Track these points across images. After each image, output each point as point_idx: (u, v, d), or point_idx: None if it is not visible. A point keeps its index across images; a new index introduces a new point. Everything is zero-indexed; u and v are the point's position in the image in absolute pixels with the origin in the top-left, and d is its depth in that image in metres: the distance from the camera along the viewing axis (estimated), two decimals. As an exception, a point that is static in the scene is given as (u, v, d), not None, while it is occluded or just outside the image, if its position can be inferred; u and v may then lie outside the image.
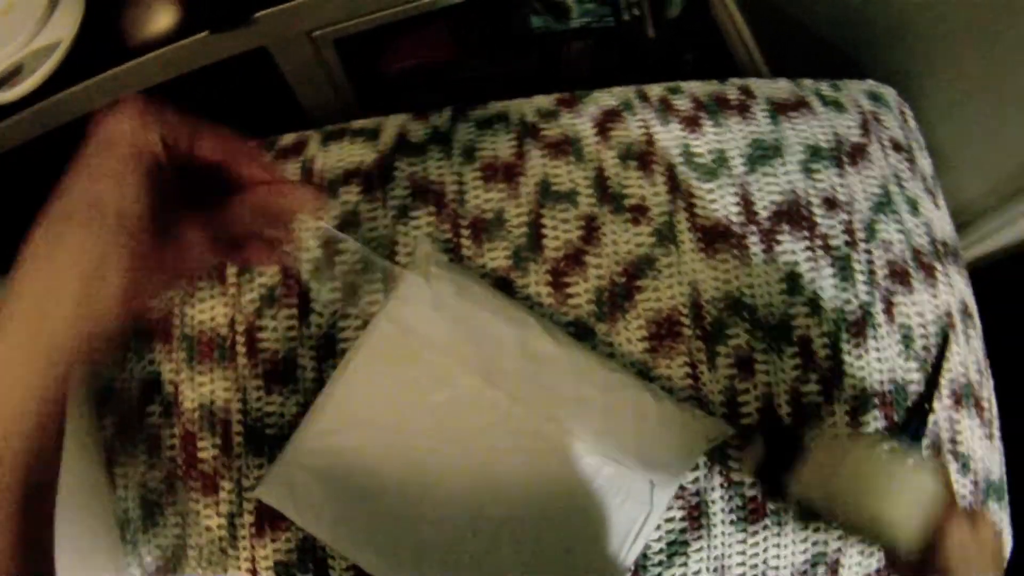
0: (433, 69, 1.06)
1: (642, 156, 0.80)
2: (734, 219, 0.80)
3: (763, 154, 0.83)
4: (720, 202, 0.80)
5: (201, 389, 0.80)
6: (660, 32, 1.10)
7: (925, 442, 0.79)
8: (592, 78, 0.87)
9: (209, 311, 0.81)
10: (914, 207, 0.87)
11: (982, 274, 0.94)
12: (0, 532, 0.35)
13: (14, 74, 0.87)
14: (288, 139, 0.84)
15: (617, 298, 0.75)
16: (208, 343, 0.80)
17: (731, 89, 0.86)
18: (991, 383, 0.85)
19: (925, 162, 0.91)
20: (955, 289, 0.86)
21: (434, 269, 0.71)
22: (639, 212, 0.78)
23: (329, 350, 0.76)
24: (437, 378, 0.69)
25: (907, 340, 0.81)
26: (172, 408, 0.81)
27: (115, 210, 0.36)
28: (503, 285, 0.75)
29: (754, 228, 0.80)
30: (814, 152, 0.84)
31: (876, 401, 0.79)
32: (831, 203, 0.83)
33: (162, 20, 0.87)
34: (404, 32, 0.93)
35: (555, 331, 0.71)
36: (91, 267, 0.35)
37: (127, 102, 0.38)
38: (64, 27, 0.87)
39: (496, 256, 0.76)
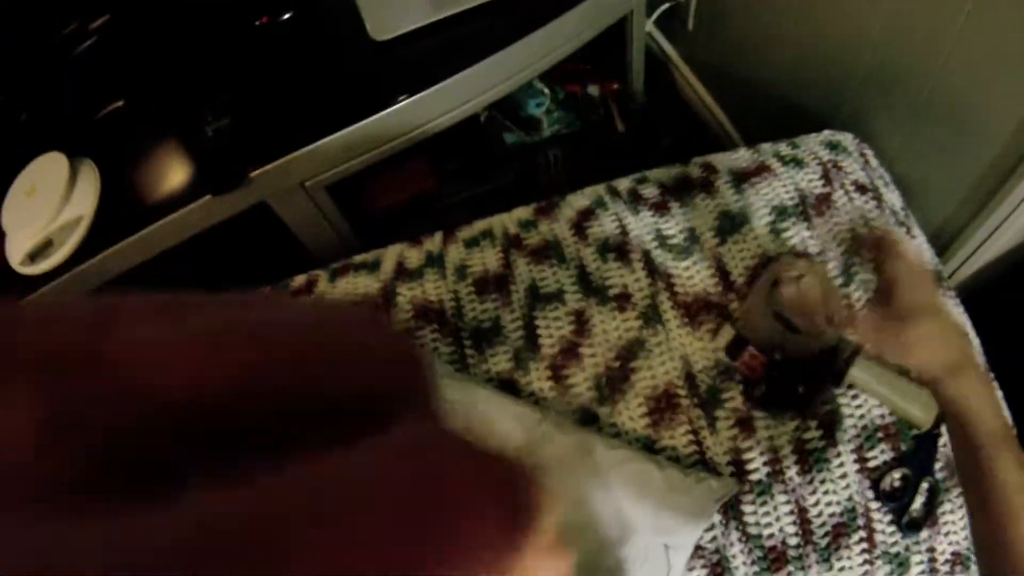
0: (420, 199, 1.17)
1: (619, 247, 0.87)
2: (712, 290, 0.87)
3: (732, 224, 0.89)
4: (697, 277, 0.87)
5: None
6: (629, 125, 1.18)
7: (939, 464, 0.82)
8: (570, 179, 0.95)
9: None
10: (887, 243, 0.91)
11: (976, 296, 0.98)
12: None
13: (45, 248, 1.00)
14: (299, 280, 0.94)
15: (615, 381, 0.83)
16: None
17: (694, 169, 0.93)
18: None
19: (893, 196, 0.96)
20: (945, 313, 0.89)
21: (441, 380, 0.79)
22: (623, 300, 0.85)
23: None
24: None
25: (902, 371, 0.85)
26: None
27: None
28: (508, 386, 0.83)
29: (733, 295, 0.87)
30: (780, 212, 0.90)
31: (880, 435, 0.83)
32: (804, 256, 0.89)
33: (171, 185, 0.99)
34: (389, 170, 1.03)
35: (559, 420, 0.78)
36: None
37: None
38: (84, 203, 1.00)
39: (498, 360, 0.84)
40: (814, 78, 1.06)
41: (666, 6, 1.21)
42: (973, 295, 1.00)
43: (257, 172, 0.89)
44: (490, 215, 0.92)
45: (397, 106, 0.89)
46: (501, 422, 0.76)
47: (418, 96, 0.89)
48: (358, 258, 0.93)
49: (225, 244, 0.97)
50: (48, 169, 1.02)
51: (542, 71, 0.98)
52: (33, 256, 0.97)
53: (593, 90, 1.20)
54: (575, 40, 0.97)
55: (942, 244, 0.99)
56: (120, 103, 1.06)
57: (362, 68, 0.93)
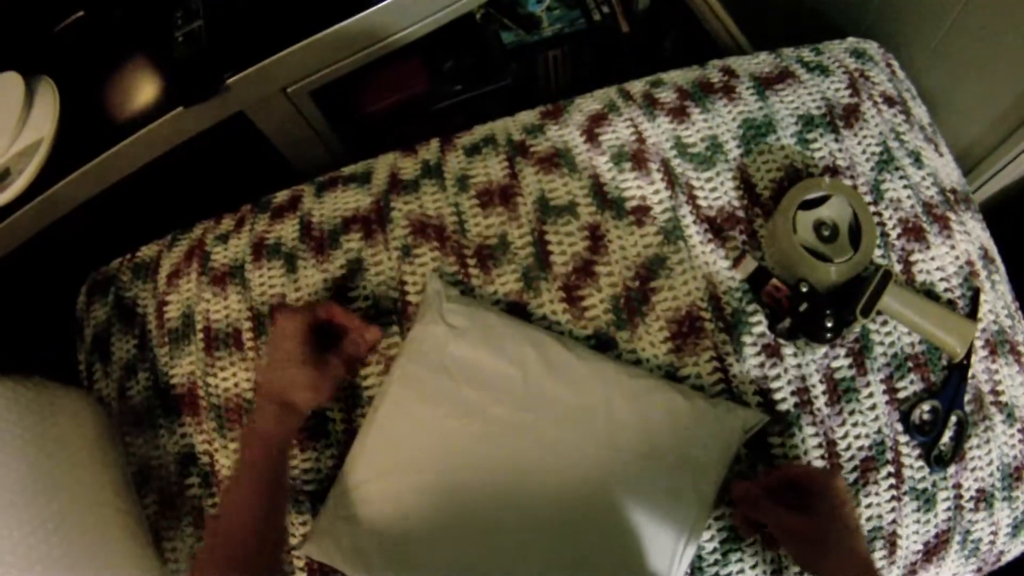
0: (413, 103, 1.06)
1: (635, 156, 0.79)
2: (736, 204, 0.79)
3: (756, 133, 0.82)
4: (721, 189, 0.79)
5: (236, 455, 0.80)
6: (634, 26, 1.09)
7: (967, 396, 0.78)
8: (572, 84, 0.86)
9: (231, 377, 0.81)
10: (917, 159, 0.85)
11: (998, 214, 0.93)
12: None
13: (2, 178, 0.87)
14: (282, 196, 0.84)
15: (634, 303, 0.75)
16: (235, 409, 0.80)
17: (713, 72, 0.85)
18: (1021, 322, 0.84)
19: (920, 111, 0.90)
20: (972, 236, 0.84)
21: (447, 305, 0.71)
22: (642, 213, 0.77)
23: (355, 400, 0.76)
24: (466, 411, 0.68)
25: (932, 297, 0.79)
26: (210, 477, 0.81)
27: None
28: (517, 309, 0.75)
29: (759, 211, 0.79)
30: (807, 122, 0.83)
31: (910, 364, 0.77)
32: (832, 171, 0.82)
33: (139, 99, 0.87)
34: (378, 72, 0.93)
35: (575, 346, 0.70)
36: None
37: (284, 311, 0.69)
38: (43, 124, 0.88)
39: (506, 281, 0.76)
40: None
41: None
42: (997, 212, 0.95)
43: (233, 79, 0.78)
44: (490, 120, 0.83)
45: (386, 1, 0.78)
46: (515, 348, 0.68)
47: None
48: (347, 170, 0.83)
49: (201, 162, 0.85)
50: (1, 91, 0.89)
51: None
52: None
53: None
54: None
55: (969, 163, 0.93)
56: (80, 13, 0.92)
57: None
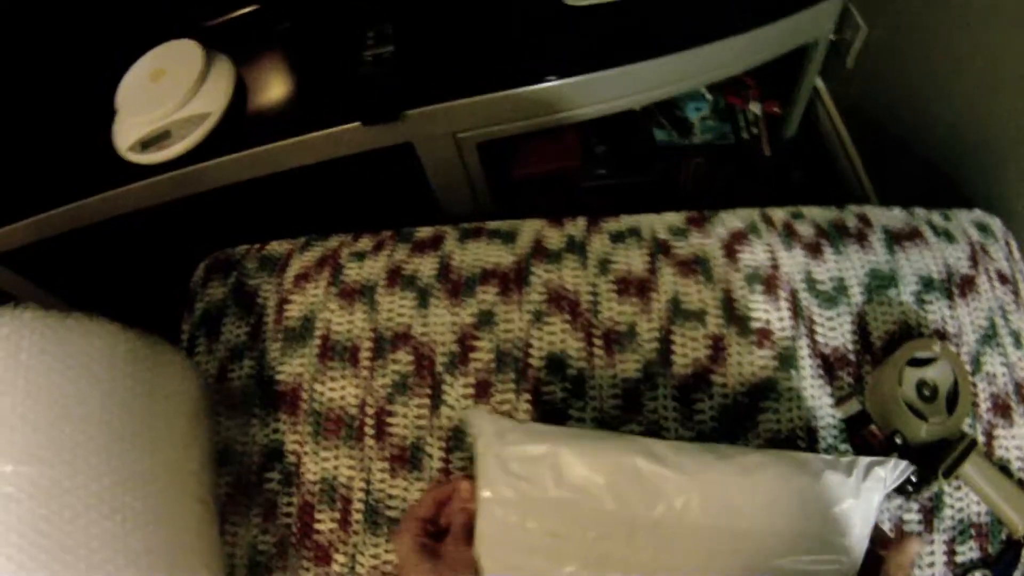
0: (561, 175, 1.10)
1: (768, 280, 0.83)
2: (850, 347, 0.84)
3: (880, 284, 0.86)
4: (839, 330, 0.84)
5: (324, 463, 0.84)
6: (775, 151, 1.14)
7: (1019, 573, 0.82)
8: (708, 191, 0.91)
9: (339, 389, 0.84)
10: (1018, 340, 0.90)
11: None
12: None
13: (161, 138, 0.91)
14: (425, 232, 0.87)
15: (740, 418, 0.79)
16: (335, 420, 0.84)
17: (850, 217, 0.90)
18: None
19: (1028, 293, 0.95)
20: (1052, 422, 0.88)
21: (510, 449, 0.61)
22: (764, 335, 0.81)
23: (458, 442, 0.80)
24: (580, 519, 0.59)
25: (1006, 473, 0.84)
26: (293, 478, 0.84)
27: None
28: (632, 396, 0.79)
29: (868, 357, 0.84)
30: (927, 283, 0.88)
31: (973, 532, 0.82)
32: (941, 335, 0.86)
33: (314, 102, 0.90)
34: (538, 139, 0.97)
35: (670, 442, 0.63)
36: None
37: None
38: (215, 100, 0.91)
39: (627, 368, 0.80)
40: (969, 149, 1.03)
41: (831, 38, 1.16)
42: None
43: (414, 111, 0.81)
44: (627, 208, 0.87)
45: (576, 79, 0.83)
46: (598, 471, 0.60)
47: (600, 74, 0.82)
48: (492, 224, 0.87)
49: (348, 175, 0.89)
50: (180, 56, 0.93)
51: (720, 80, 0.93)
52: (145, 144, 0.88)
53: (755, 107, 1.15)
54: (762, 55, 0.91)
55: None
56: (254, 6, 0.96)
57: (546, 29, 0.86)
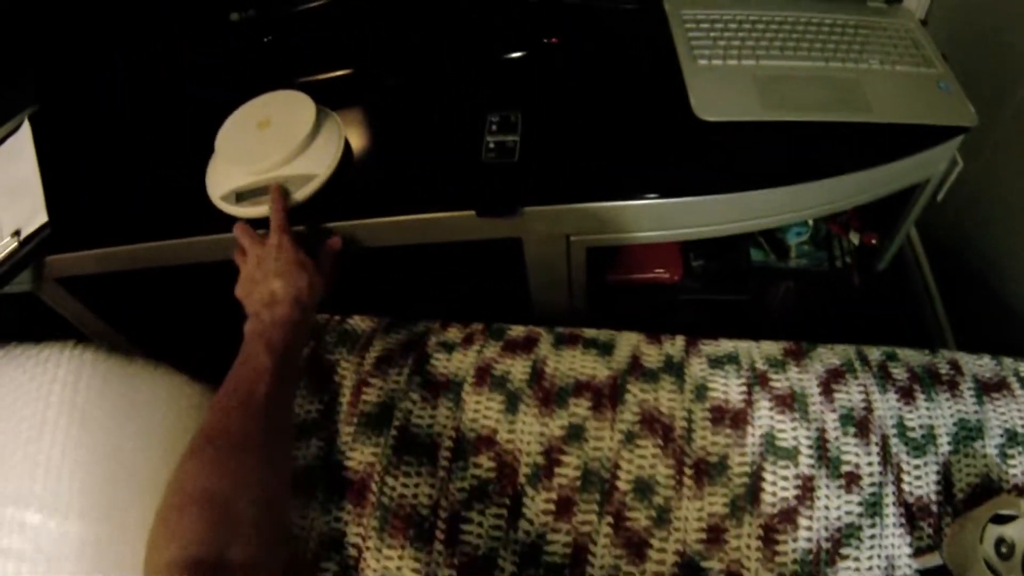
0: (659, 286, 1.09)
1: (861, 423, 0.83)
2: (934, 497, 0.83)
3: (967, 435, 0.86)
4: (925, 479, 0.83)
5: (387, 562, 0.81)
6: (864, 284, 1.14)
7: None
8: (797, 316, 0.90)
9: (413, 487, 0.82)
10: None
11: None
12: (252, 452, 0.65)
13: (259, 192, 0.88)
14: (518, 331, 0.85)
15: (821, 563, 0.78)
16: (405, 518, 0.81)
17: (942, 363, 0.90)
18: None
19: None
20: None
21: None
22: (852, 480, 0.80)
23: (533, 559, 0.78)
24: None
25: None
26: (350, 571, 0.81)
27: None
28: (716, 531, 0.77)
29: (950, 509, 0.83)
30: (1011, 436, 0.88)
31: None
32: (1020, 490, 0.86)
33: (423, 180, 0.87)
34: (641, 250, 0.96)
35: None
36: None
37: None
38: (322, 161, 0.88)
39: (715, 502, 0.78)
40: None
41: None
42: None
43: (532, 208, 0.79)
44: (717, 323, 0.86)
45: (703, 198, 0.81)
46: None
47: (730, 195, 0.81)
48: (589, 332, 0.85)
49: (440, 257, 0.86)
50: (290, 108, 0.90)
51: (834, 212, 0.92)
52: (240, 195, 0.85)
53: (854, 238, 1.15)
54: (879, 191, 0.91)
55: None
56: (349, 70, 0.94)
57: (676, 142, 0.85)
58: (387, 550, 0.81)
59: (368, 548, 0.81)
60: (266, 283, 0.79)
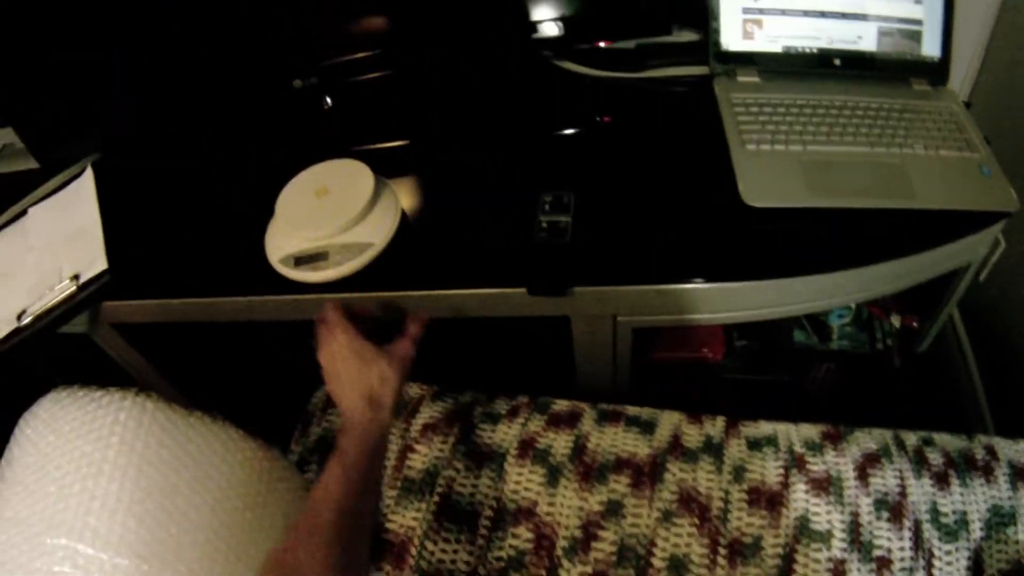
0: (701, 365, 1.12)
1: (895, 508, 0.84)
2: (966, 585, 0.84)
3: (1000, 521, 0.87)
4: (955, 565, 0.84)
5: (420, 624, 0.83)
6: (905, 364, 1.16)
7: None
8: (838, 397, 0.92)
9: (452, 553, 0.84)
10: None
11: None
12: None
13: (316, 258, 0.91)
14: (562, 406, 0.88)
15: (851, 651, 0.79)
16: (442, 583, 0.84)
17: (978, 448, 0.91)
18: None
19: None
20: None
21: None
22: (884, 565, 0.82)
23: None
24: None
25: None
26: (390, 632, 0.84)
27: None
28: (748, 613, 0.79)
29: (982, 597, 0.84)
30: (1044, 525, 0.88)
31: None
32: (1052, 580, 0.87)
33: (480, 255, 0.90)
34: (687, 327, 0.98)
35: None
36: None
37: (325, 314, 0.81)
38: (379, 231, 0.92)
39: (749, 584, 0.80)
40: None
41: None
42: None
43: (581, 288, 0.82)
44: (758, 402, 0.88)
45: (747, 284, 0.84)
46: None
47: (774, 281, 0.83)
48: (631, 410, 0.88)
49: (492, 326, 0.89)
50: (348, 177, 0.94)
51: (877, 297, 0.94)
52: (298, 260, 0.88)
53: (895, 320, 1.17)
54: (919, 277, 0.93)
55: None
56: (406, 141, 0.98)
57: (724, 227, 0.87)
58: (425, 615, 0.83)
59: (406, 610, 0.84)
60: (337, 383, 0.78)
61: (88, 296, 1.02)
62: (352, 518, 0.70)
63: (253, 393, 1.03)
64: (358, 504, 0.71)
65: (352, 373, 0.77)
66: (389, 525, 0.88)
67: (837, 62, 1.05)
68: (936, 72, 1.06)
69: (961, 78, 1.16)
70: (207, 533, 0.80)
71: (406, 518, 0.87)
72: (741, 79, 1.07)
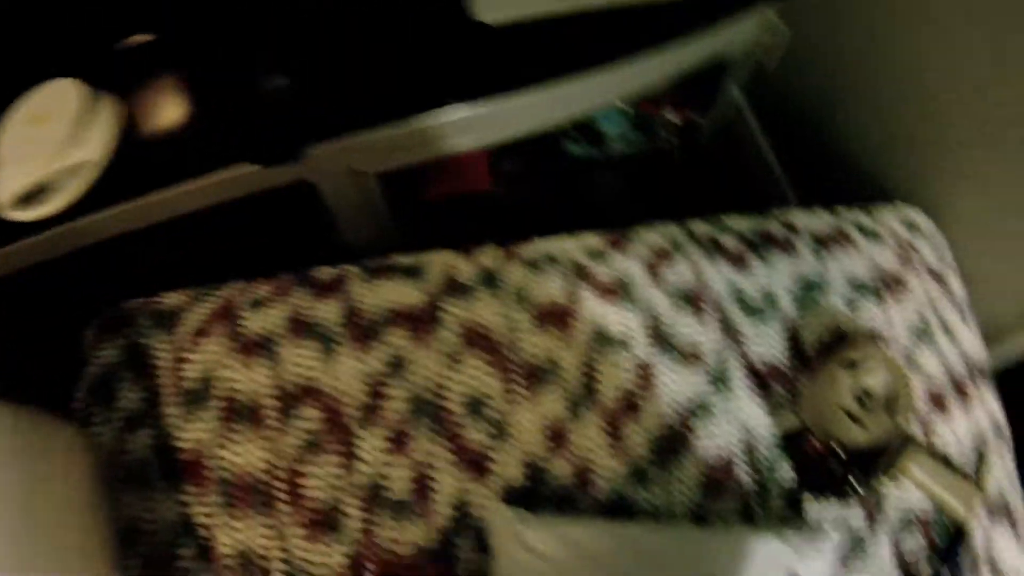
0: (470, 198, 1.05)
1: (694, 299, 0.80)
2: (784, 359, 0.81)
3: (809, 291, 0.84)
4: (770, 343, 0.81)
5: (238, 535, 0.78)
6: (690, 160, 1.11)
7: (966, 559, 0.81)
8: (621, 202, 0.87)
9: (246, 454, 0.78)
10: (949, 332, 0.89)
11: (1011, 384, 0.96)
12: None
13: (42, 191, 0.83)
14: (327, 273, 0.82)
15: (673, 443, 0.76)
16: (245, 488, 0.78)
17: (775, 224, 0.88)
18: (1020, 491, 0.88)
19: (957, 284, 0.94)
20: (987, 408, 0.89)
21: (529, 533, 0.69)
22: (692, 357, 0.79)
23: (377, 500, 0.75)
24: None
25: (945, 464, 0.83)
26: (207, 552, 0.78)
27: None
28: (559, 433, 0.75)
29: (802, 367, 0.81)
30: (856, 286, 0.86)
31: (917, 525, 0.80)
32: (874, 336, 0.84)
33: (206, 142, 0.83)
34: (443, 163, 0.92)
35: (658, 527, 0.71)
36: None
37: None
38: (95, 145, 0.83)
39: (552, 405, 0.76)
40: (889, 146, 1.01)
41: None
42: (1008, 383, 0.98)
43: (312, 149, 0.75)
44: (543, 231, 0.82)
45: (483, 105, 0.77)
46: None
47: (508, 99, 0.77)
48: (399, 259, 0.82)
49: (242, 217, 0.82)
50: (60, 98, 0.84)
51: (638, 96, 0.88)
52: (26, 198, 0.80)
53: (671, 116, 1.11)
54: (682, 67, 0.88)
55: (987, 336, 0.97)
56: (149, 36, 0.88)
57: (454, 49, 0.81)
58: (235, 523, 0.78)
59: (218, 525, 0.78)
60: None
61: None
62: None
63: (30, 358, 0.95)
64: None
65: None
66: (179, 444, 0.81)
67: None
68: None
69: None
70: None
71: (194, 431, 0.81)
72: None
